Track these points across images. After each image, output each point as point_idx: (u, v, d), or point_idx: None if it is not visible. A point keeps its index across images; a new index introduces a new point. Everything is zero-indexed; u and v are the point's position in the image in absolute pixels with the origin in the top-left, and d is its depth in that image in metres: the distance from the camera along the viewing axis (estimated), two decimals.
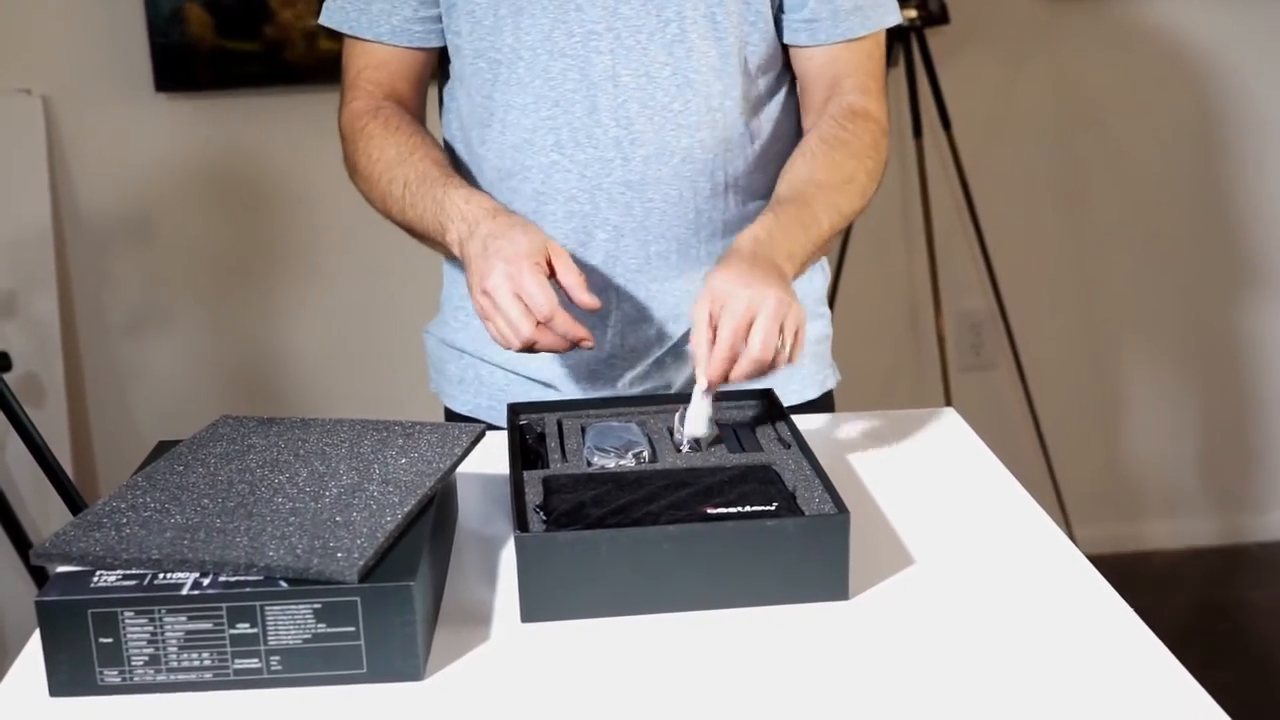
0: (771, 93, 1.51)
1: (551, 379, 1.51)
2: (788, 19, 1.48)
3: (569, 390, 1.51)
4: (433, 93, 1.58)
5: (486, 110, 1.46)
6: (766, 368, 1.23)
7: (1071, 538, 1.22)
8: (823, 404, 1.59)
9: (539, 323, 1.25)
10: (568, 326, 1.25)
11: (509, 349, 1.28)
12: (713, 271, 1.28)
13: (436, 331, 1.62)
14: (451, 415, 1.60)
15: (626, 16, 1.41)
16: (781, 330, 1.23)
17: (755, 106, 1.48)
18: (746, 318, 1.22)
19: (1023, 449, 3.06)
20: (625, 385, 1.50)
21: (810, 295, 1.59)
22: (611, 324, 1.48)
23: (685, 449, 1.26)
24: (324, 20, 1.51)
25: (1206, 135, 3.10)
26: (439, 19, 1.47)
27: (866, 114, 1.48)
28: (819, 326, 1.60)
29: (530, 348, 1.27)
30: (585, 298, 1.27)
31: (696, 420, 1.26)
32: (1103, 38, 3.02)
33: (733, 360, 1.22)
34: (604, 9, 1.40)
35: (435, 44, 1.49)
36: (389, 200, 1.44)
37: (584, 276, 1.28)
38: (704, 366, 1.22)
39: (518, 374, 1.53)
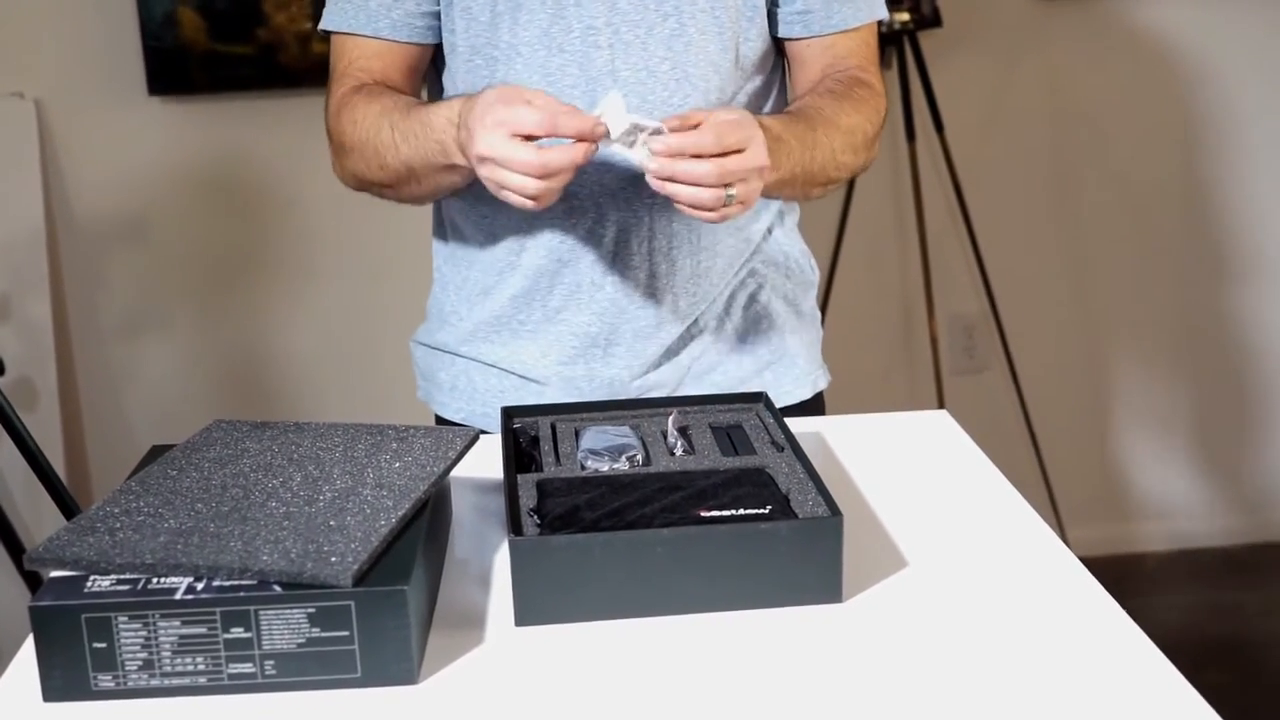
0: (766, 89, 1.52)
1: (547, 378, 1.51)
2: (781, 12, 1.49)
3: (565, 389, 1.51)
4: None
5: None
6: (706, 195, 1.23)
7: (1065, 539, 1.22)
8: (814, 404, 1.60)
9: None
10: (564, 119, 1.22)
11: (538, 199, 1.24)
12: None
13: (425, 339, 1.61)
14: (442, 422, 1.59)
15: (625, 11, 1.41)
16: (733, 186, 1.24)
17: (751, 101, 1.49)
18: (739, 143, 1.23)
19: (1016, 451, 3.07)
20: (621, 382, 1.50)
21: (802, 297, 1.60)
22: (611, 316, 1.48)
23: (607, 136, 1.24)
24: (324, 25, 1.49)
25: (1199, 137, 3.11)
26: (439, 15, 1.46)
27: (869, 84, 1.50)
28: (809, 327, 1.61)
29: (552, 175, 1.23)
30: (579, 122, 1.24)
31: (617, 107, 1.24)
32: (1095, 40, 3.03)
33: (698, 154, 1.22)
34: (604, 4, 1.40)
35: (432, 40, 1.48)
36: (381, 150, 1.39)
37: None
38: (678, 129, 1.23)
39: (512, 373, 1.53)
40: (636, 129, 1.24)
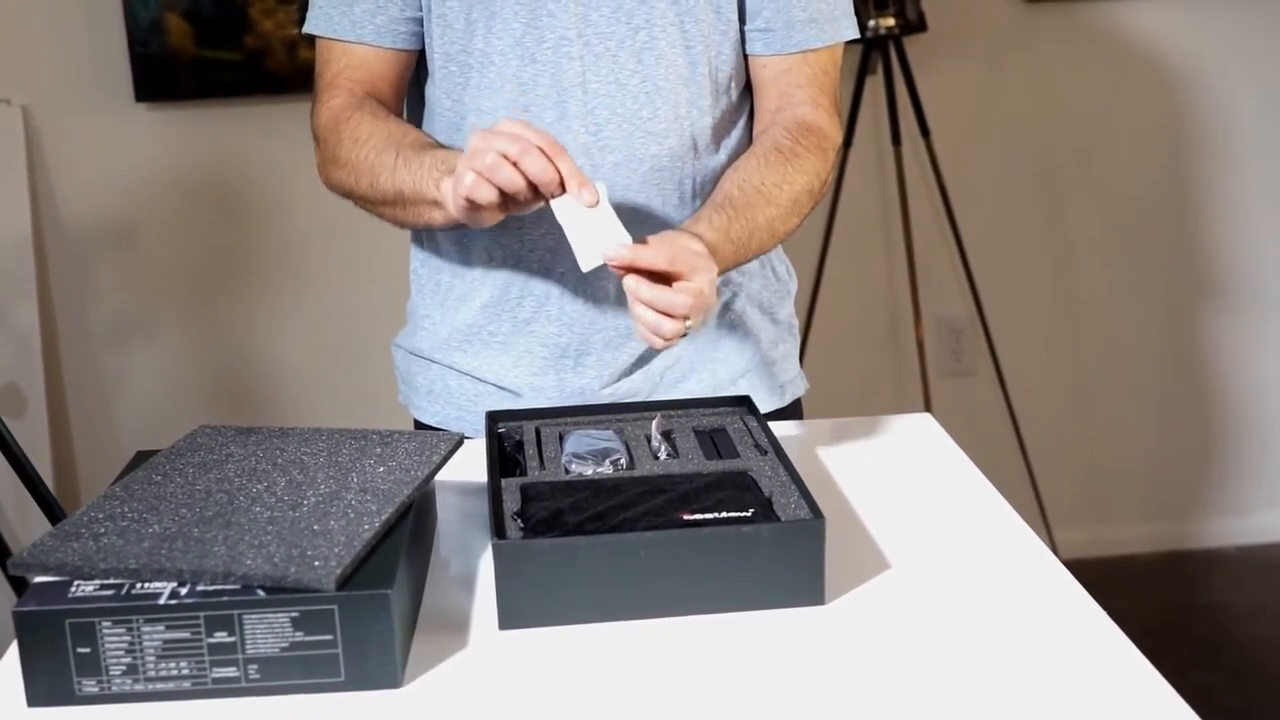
0: (741, 103, 1.52)
1: (519, 388, 1.51)
2: (746, 29, 1.48)
3: (536, 399, 1.51)
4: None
5: (456, 114, 1.46)
6: (668, 326, 1.22)
7: (1052, 541, 1.23)
8: (791, 412, 1.60)
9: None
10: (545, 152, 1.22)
11: (473, 190, 1.22)
12: (698, 233, 1.30)
13: (404, 343, 1.62)
14: (420, 427, 1.60)
15: (597, 24, 1.41)
16: (687, 319, 1.23)
17: (724, 116, 1.49)
18: (688, 269, 1.23)
19: (1003, 454, 3.08)
20: (592, 390, 1.51)
21: (779, 306, 1.60)
22: (581, 327, 1.49)
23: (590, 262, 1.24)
24: (308, 28, 1.50)
25: (1184, 140, 3.12)
26: (422, 21, 1.47)
27: (819, 129, 1.47)
28: (786, 335, 1.61)
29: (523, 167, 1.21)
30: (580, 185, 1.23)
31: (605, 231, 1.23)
32: (1080, 44, 3.04)
33: (656, 278, 1.22)
34: (575, 15, 1.41)
35: (416, 47, 1.48)
36: (378, 170, 1.38)
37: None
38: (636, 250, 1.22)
39: (485, 381, 1.53)
40: (606, 222, 1.24)
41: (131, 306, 2.91)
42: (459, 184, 1.24)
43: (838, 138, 1.50)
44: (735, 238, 1.37)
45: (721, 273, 1.35)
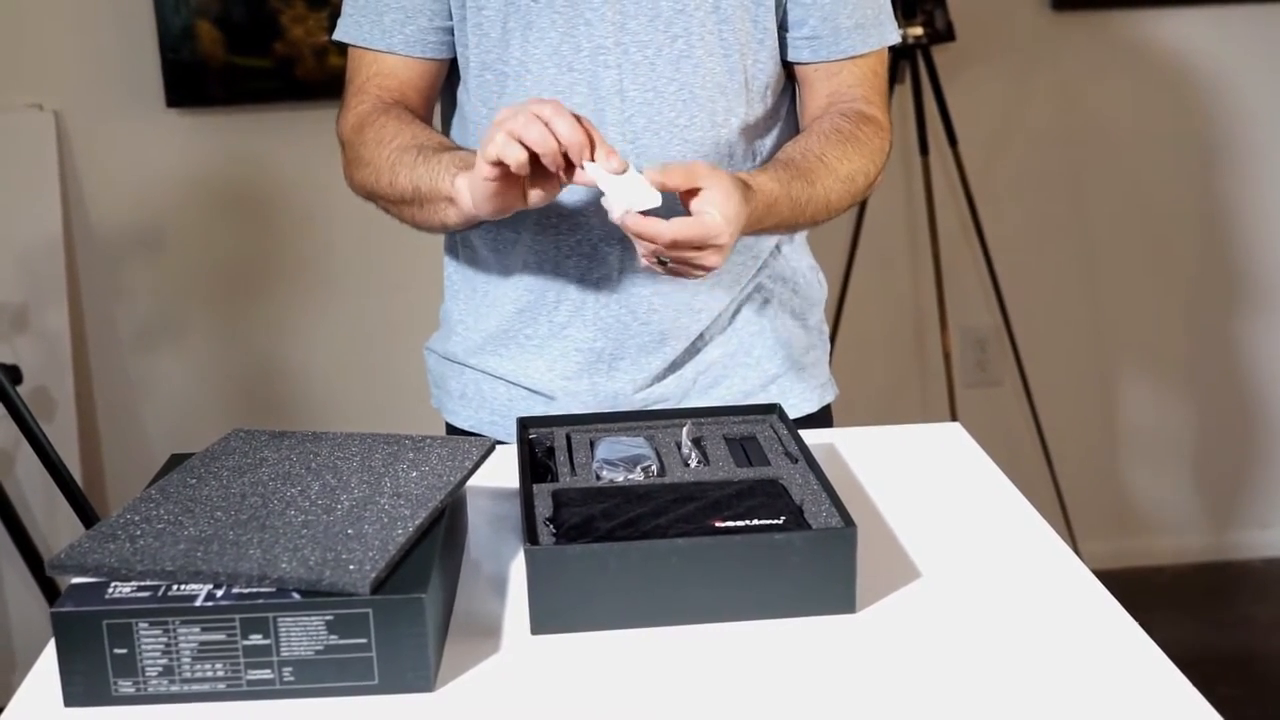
0: (776, 111, 1.52)
1: (553, 391, 1.52)
2: (790, 36, 1.49)
3: (570, 402, 1.52)
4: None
5: (492, 123, 1.47)
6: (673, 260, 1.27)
7: (1077, 552, 1.23)
8: (821, 418, 1.60)
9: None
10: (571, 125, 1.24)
11: (504, 150, 1.24)
12: (739, 195, 1.30)
13: (437, 347, 1.63)
14: (453, 431, 1.61)
15: (634, 32, 1.42)
16: (696, 264, 1.27)
17: (759, 124, 1.50)
18: (698, 243, 1.25)
19: (1028, 465, 3.07)
20: (625, 395, 1.51)
21: (810, 312, 1.61)
22: (616, 332, 1.49)
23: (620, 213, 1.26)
24: (337, 36, 1.51)
25: (1212, 151, 3.12)
26: (452, 30, 1.48)
27: (876, 121, 1.50)
28: (816, 341, 1.61)
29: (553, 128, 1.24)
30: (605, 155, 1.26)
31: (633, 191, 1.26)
32: (1109, 53, 3.04)
33: (667, 235, 1.24)
34: (613, 24, 1.42)
35: (447, 55, 1.49)
36: (397, 167, 1.39)
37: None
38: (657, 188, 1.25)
39: (519, 385, 1.54)
40: (636, 184, 1.26)
41: (161, 310, 2.93)
42: (487, 149, 1.24)
43: (890, 134, 1.52)
44: (795, 196, 1.38)
45: (773, 228, 1.38)
